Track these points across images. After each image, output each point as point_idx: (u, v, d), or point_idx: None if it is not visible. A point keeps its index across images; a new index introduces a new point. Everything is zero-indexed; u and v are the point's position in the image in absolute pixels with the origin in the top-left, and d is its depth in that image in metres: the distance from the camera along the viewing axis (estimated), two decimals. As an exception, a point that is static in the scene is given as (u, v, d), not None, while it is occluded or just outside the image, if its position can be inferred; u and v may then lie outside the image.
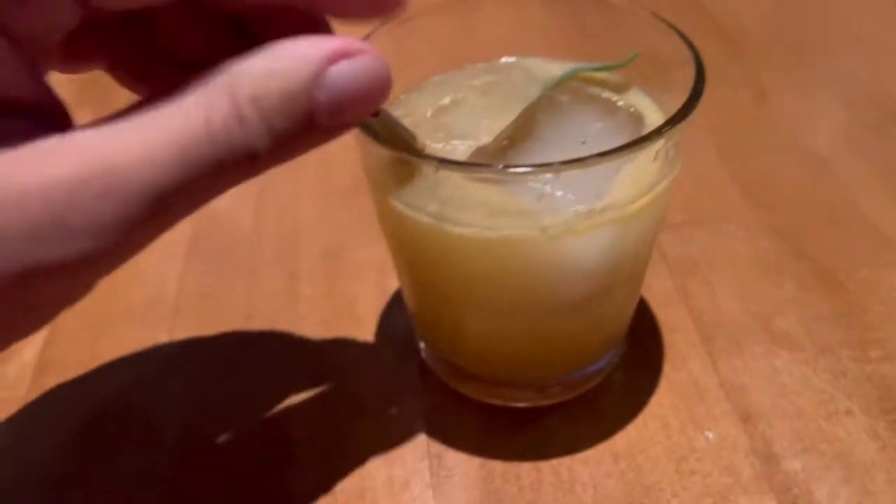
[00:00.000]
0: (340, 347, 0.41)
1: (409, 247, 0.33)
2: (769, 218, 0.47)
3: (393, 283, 0.44)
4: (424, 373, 0.39)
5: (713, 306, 0.42)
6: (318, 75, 0.20)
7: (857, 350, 0.39)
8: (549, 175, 0.27)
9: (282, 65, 0.20)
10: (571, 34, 0.38)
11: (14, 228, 0.18)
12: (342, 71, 0.20)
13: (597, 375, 0.38)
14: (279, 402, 0.39)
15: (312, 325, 0.43)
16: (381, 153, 0.29)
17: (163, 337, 0.43)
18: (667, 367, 0.39)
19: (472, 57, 0.38)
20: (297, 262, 0.47)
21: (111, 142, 0.19)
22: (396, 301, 0.43)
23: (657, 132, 0.27)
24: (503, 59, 0.38)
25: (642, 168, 0.29)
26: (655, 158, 0.28)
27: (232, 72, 0.20)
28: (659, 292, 0.43)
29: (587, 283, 0.32)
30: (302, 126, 0.20)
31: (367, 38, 0.33)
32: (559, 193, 0.28)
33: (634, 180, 0.29)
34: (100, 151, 0.19)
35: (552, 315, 0.33)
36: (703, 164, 0.52)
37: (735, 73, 0.60)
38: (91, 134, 0.20)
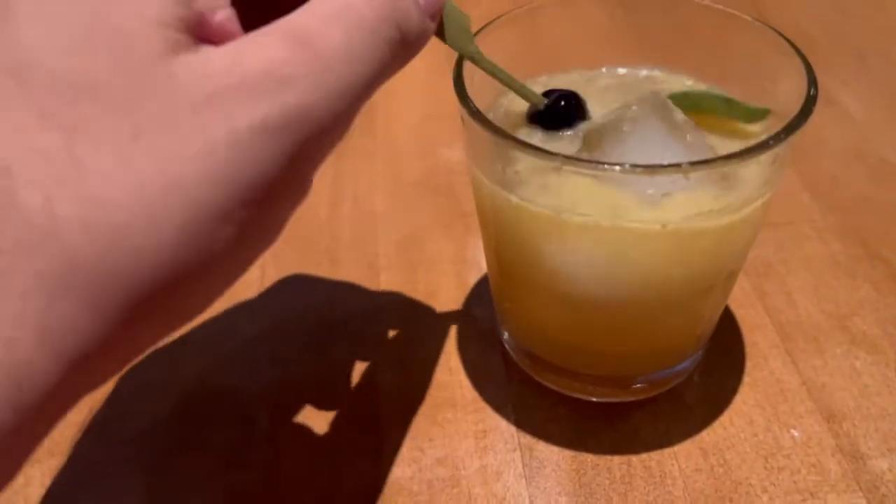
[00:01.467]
0: (423, 336, 0.42)
1: (511, 233, 0.33)
2: (841, 220, 0.48)
3: (472, 277, 0.45)
4: (509, 365, 0.40)
5: (790, 307, 0.43)
6: None
7: (937, 353, 0.40)
8: (675, 175, 0.27)
9: None
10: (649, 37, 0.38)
11: None
12: None
13: (682, 373, 0.39)
14: (367, 388, 0.40)
15: (394, 313, 0.44)
16: (496, 142, 0.29)
17: (244, 321, 0.43)
18: (749, 366, 0.40)
19: (546, 65, 0.39)
20: (376, 252, 0.47)
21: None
22: (476, 294, 0.44)
23: (777, 137, 0.28)
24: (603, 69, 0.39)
25: (758, 173, 0.29)
26: (773, 162, 0.29)
27: None
28: (736, 293, 0.43)
29: (695, 280, 0.32)
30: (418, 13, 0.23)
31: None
32: (681, 193, 0.28)
33: (750, 184, 0.29)
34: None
35: (653, 310, 0.33)
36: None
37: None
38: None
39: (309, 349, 0.42)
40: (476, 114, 0.30)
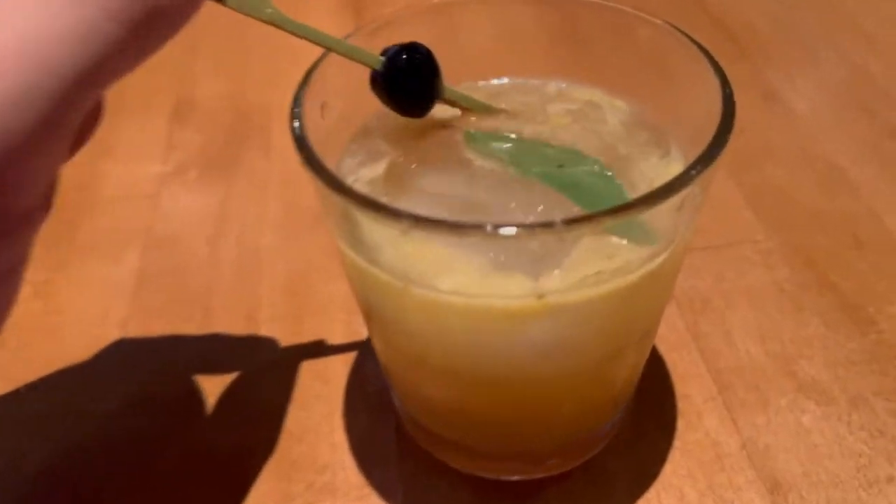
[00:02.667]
0: (305, 406, 0.36)
1: (369, 299, 0.27)
2: (787, 240, 0.42)
3: (364, 328, 0.39)
4: (402, 438, 0.34)
5: (729, 348, 0.37)
6: None
7: (894, 401, 0.34)
8: (549, 236, 0.21)
9: None
10: (563, 44, 0.32)
11: None
12: None
13: (601, 440, 0.33)
14: (237, 471, 0.33)
15: (272, 378, 0.37)
16: (338, 201, 0.23)
17: (100, 395, 0.37)
18: (681, 426, 0.34)
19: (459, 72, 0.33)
20: (258, 299, 0.41)
21: None
22: (368, 349, 0.38)
23: (686, 176, 0.22)
24: (494, 81, 0.32)
25: (661, 220, 0.23)
26: (680, 208, 0.23)
27: None
28: (668, 333, 0.38)
29: (592, 352, 0.26)
30: None
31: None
32: (559, 255, 0.22)
33: (651, 235, 0.23)
34: None
35: (549, 384, 0.27)
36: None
37: (740, 73, 0.55)
38: None
39: (173, 427, 0.36)
40: (304, 152, 0.24)
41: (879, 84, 0.53)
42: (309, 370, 0.37)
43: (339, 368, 0.37)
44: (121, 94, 0.56)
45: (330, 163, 0.29)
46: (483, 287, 0.23)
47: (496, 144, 0.27)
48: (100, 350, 0.39)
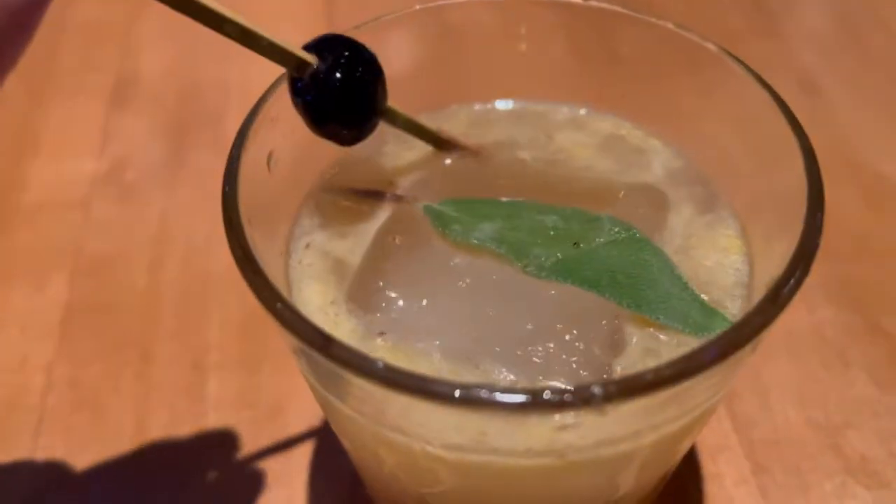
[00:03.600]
0: (260, 488, 0.30)
1: (337, 425, 0.21)
2: (830, 271, 0.36)
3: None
4: (378, 533, 0.29)
5: (766, 415, 0.32)
6: None
7: (960, 486, 0.29)
8: (581, 410, 0.15)
9: None
10: (591, 62, 0.25)
11: None
12: None
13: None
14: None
15: (221, 447, 0.31)
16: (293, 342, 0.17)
17: (22, 469, 0.31)
18: (709, 517, 0.29)
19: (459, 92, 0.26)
20: (206, 342, 0.35)
21: None
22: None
23: (738, 336, 0.16)
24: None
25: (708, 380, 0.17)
26: (731, 367, 0.17)
27: None
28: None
29: (621, 494, 0.21)
30: None
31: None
32: (597, 421, 0.16)
33: (705, 385, 0.17)
34: None
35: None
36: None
37: (772, 54, 0.48)
38: None
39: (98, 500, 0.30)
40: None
41: (931, 70, 0.46)
42: (264, 445, 0.31)
43: (301, 440, 0.31)
44: (50, 71, 0.48)
45: (284, 223, 0.23)
46: (485, 443, 0.17)
47: (476, 232, 0.20)
48: (18, 408, 0.32)
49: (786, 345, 0.34)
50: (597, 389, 0.14)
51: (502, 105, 0.26)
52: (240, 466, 0.31)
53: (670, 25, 0.22)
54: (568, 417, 0.16)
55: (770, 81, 0.46)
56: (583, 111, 0.26)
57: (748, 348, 0.16)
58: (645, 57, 0.23)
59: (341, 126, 0.21)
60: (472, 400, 0.15)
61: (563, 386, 0.15)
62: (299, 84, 0.20)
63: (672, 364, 0.15)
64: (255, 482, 0.30)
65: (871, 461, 0.30)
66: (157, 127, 0.45)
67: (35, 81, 0.47)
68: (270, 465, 0.30)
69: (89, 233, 0.39)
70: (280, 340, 0.32)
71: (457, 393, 0.15)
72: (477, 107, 0.26)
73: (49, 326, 0.36)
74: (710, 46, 0.22)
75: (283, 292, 0.17)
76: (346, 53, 0.20)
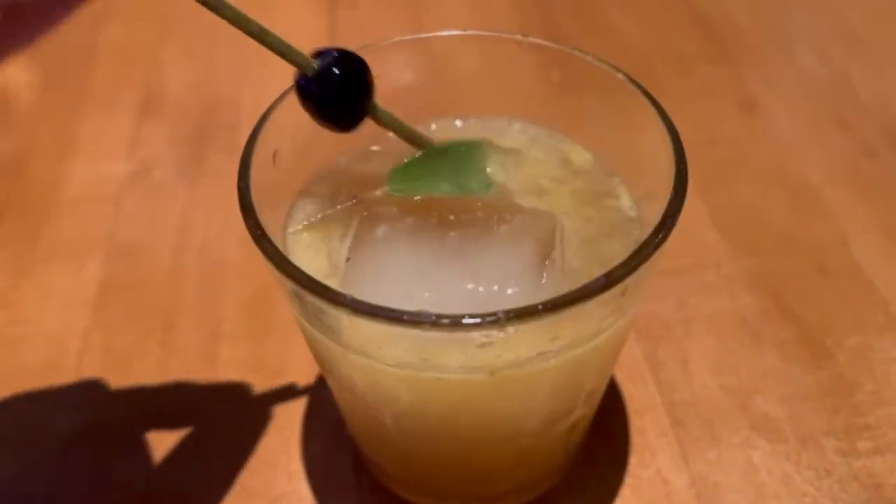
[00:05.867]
0: (263, 430, 0.36)
1: (322, 361, 0.27)
2: (752, 265, 0.42)
3: (327, 347, 0.39)
4: (359, 469, 0.35)
5: (686, 380, 0.37)
6: None
7: (844, 441, 0.35)
8: (493, 329, 0.21)
9: None
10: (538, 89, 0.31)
11: None
12: None
13: (555, 475, 0.33)
14: (193, 499, 0.34)
15: (231, 401, 0.37)
16: (282, 279, 0.23)
17: (62, 416, 0.37)
18: (632, 462, 0.35)
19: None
20: (220, 316, 0.41)
21: None
22: (330, 370, 0.38)
23: (624, 268, 0.22)
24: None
25: (606, 303, 0.23)
26: (623, 293, 0.23)
27: None
28: (626, 361, 0.38)
29: (540, 415, 0.27)
30: None
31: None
32: (506, 340, 0.22)
33: (595, 316, 0.23)
34: None
35: (498, 444, 0.28)
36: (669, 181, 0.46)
37: (720, 76, 0.54)
38: None
39: (131, 452, 0.36)
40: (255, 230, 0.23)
41: (860, 95, 0.52)
42: (267, 398, 0.37)
43: (297, 395, 0.37)
44: (87, 86, 0.54)
45: (283, 205, 0.29)
46: (429, 361, 0.23)
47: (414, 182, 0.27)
48: (59, 368, 0.39)
49: (708, 326, 0.40)
50: (500, 314, 0.21)
51: (462, 122, 0.33)
52: (246, 415, 0.37)
53: (589, 57, 0.29)
54: (483, 336, 0.22)
55: (715, 100, 0.52)
56: (518, 124, 0.32)
57: (614, 292, 0.22)
58: (571, 81, 0.30)
59: (336, 118, 0.26)
60: (413, 321, 0.21)
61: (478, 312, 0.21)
62: (302, 80, 0.25)
63: (554, 299, 0.21)
64: (259, 428, 0.36)
65: (773, 420, 0.36)
66: (180, 135, 0.51)
67: (75, 95, 0.53)
68: (272, 415, 0.37)
69: (120, 223, 0.46)
70: (282, 314, 0.39)
71: (404, 317, 0.21)
72: (434, 125, 0.32)
73: (86, 301, 0.42)
74: (620, 76, 0.28)
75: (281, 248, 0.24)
76: (339, 54, 0.26)
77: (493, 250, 0.24)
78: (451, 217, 0.26)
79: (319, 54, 0.25)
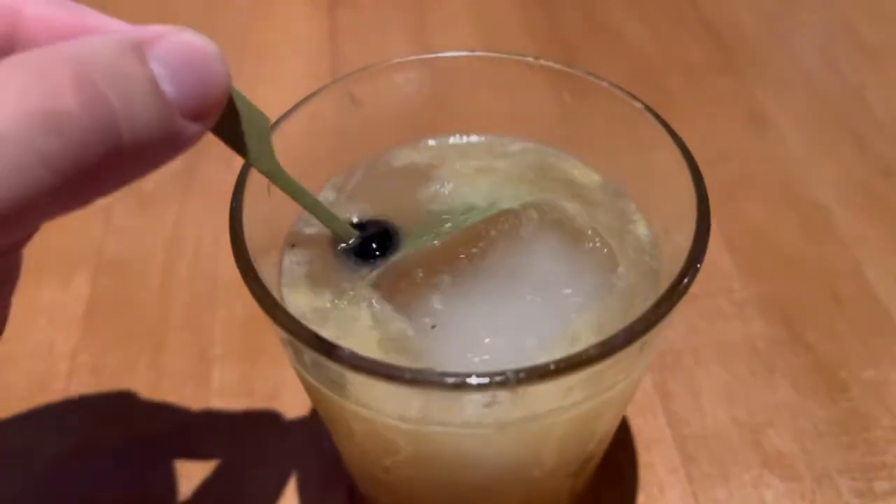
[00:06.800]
0: (253, 463, 0.35)
1: (317, 404, 0.26)
2: (763, 291, 0.41)
3: (323, 373, 0.38)
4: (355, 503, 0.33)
5: (697, 412, 0.36)
6: (138, 47, 0.16)
7: (860, 480, 0.34)
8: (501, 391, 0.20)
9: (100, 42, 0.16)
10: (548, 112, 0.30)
11: None
12: (164, 47, 0.17)
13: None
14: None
15: (222, 430, 0.36)
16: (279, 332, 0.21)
17: (50, 437, 0.36)
18: (641, 500, 0.33)
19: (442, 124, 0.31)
20: (211, 336, 0.39)
21: None
22: (326, 397, 0.37)
23: (644, 324, 0.20)
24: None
25: (623, 358, 0.22)
26: (642, 348, 0.22)
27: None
28: (636, 392, 0.37)
29: (548, 463, 0.25)
30: (153, 102, 0.16)
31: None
32: (515, 399, 0.21)
33: (611, 370, 0.22)
34: None
35: (504, 490, 0.26)
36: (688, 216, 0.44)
37: (729, 89, 0.52)
38: None
39: (119, 476, 0.34)
40: (248, 272, 0.22)
41: (874, 110, 0.51)
42: (259, 428, 0.36)
43: (291, 423, 0.36)
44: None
45: (277, 243, 0.28)
46: (433, 417, 0.22)
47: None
48: (46, 388, 0.37)
49: (718, 356, 0.38)
50: (509, 374, 0.19)
51: (474, 139, 0.31)
52: (237, 444, 0.35)
53: (605, 84, 0.27)
54: (490, 397, 0.20)
55: (725, 113, 0.51)
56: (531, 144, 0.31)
57: (632, 347, 0.21)
58: (584, 105, 0.28)
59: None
60: (415, 381, 0.19)
61: (487, 371, 0.20)
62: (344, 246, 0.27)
63: (567, 358, 0.20)
64: (250, 458, 0.35)
65: (786, 456, 0.35)
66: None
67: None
68: (265, 444, 0.35)
69: (110, 237, 0.44)
70: (275, 336, 0.37)
71: (406, 375, 0.19)
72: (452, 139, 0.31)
73: (73, 318, 0.40)
74: (637, 104, 0.26)
75: (275, 293, 0.22)
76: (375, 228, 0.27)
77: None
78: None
79: (360, 226, 0.27)
